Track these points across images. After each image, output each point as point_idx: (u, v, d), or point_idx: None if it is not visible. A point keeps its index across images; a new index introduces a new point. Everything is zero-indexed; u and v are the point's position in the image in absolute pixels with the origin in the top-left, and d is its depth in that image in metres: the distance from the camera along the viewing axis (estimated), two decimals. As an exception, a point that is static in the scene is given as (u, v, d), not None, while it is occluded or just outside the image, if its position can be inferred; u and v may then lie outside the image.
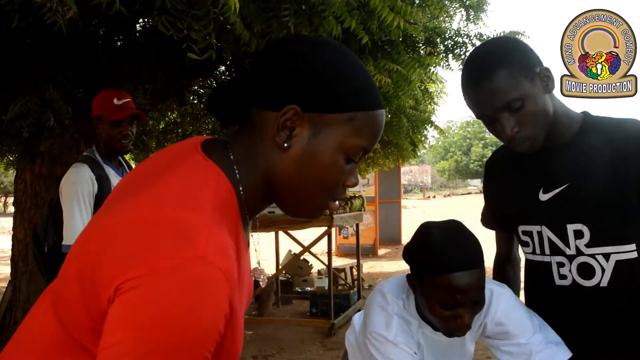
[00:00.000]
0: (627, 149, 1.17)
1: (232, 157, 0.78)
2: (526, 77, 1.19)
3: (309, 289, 6.62)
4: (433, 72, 4.68)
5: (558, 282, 1.30)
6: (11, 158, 5.42)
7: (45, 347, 0.76)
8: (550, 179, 1.30)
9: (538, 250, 1.34)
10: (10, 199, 22.59)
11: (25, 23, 2.45)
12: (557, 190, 1.28)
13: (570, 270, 1.28)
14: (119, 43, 3.56)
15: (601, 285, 1.24)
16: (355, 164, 0.81)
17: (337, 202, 0.82)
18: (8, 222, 13.21)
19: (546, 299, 1.35)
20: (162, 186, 0.74)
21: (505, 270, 1.55)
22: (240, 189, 0.77)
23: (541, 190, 1.31)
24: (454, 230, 1.29)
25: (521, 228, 1.37)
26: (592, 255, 1.24)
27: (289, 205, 0.82)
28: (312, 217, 0.83)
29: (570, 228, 1.26)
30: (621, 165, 1.17)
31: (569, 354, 1.27)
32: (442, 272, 1.21)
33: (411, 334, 1.36)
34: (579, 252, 1.25)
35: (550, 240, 1.30)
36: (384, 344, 1.34)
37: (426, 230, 1.30)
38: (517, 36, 3.60)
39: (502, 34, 3.62)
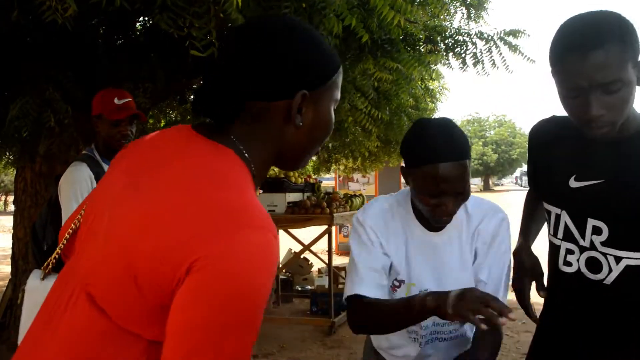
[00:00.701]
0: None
1: (235, 140, 0.86)
2: (633, 62, 1.11)
3: (309, 287, 6.63)
4: (434, 70, 4.68)
5: (561, 266, 1.32)
6: (11, 158, 5.42)
7: (94, 342, 0.79)
8: (586, 169, 1.27)
9: (552, 231, 1.35)
10: (11, 198, 22.60)
11: (24, 21, 2.45)
12: (589, 183, 1.25)
13: (578, 260, 1.28)
14: (119, 42, 3.56)
15: (605, 282, 1.24)
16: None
17: None
18: (8, 221, 13.22)
19: (550, 278, 1.39)
20: (188, 172, 0.80)
21: (533, 203, 1.58)
22: (252, 167, 0.86)
23: (573, 177, 1.29)
24: (444, 125, 1.35)
25: (544, 204, 1.40)
26: (605, 254, 1.23)
27: (292, 163, 0.95)
28: (306, 164, 0.98)
29: (591, 222, 1.24)
30: None
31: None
32: (429, 162, 1.28)
33: (391, 218, 1.46)
34: (593, 247, 1.24)
35: (566, 226, 1.30)
36: (355, 225, 1.49)
37: (419, 123, 1.40)
38: (517, 35, 3.58)
39: (502, 33, 3.60)
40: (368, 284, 1.41)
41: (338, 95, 0.94)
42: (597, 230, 1.24)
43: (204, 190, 0.77)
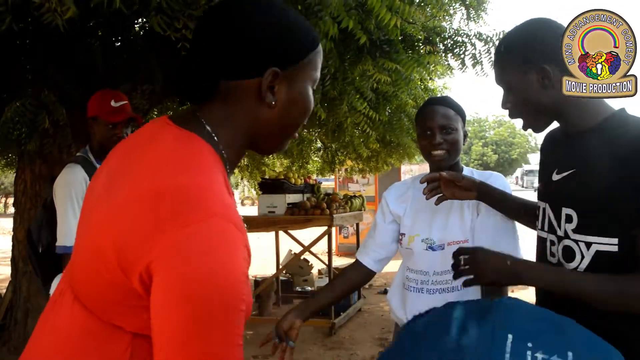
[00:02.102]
0: (626, 150, 1.19)
1: (205, 124, 0.85)
2: (519, 69, 1.31)
3: (309, 288, 6.62)
4: (433, 70, 4.67)
5: (549, 258, 1.37)
6: (11, 158, 5.41)
7: (78, 338, 0.80)
8: (564, 162, 1.35)
9: (540, 225, 1.41)
10: (11, 200, 22.61)
11: (18, 27, 2.45)
12: (565, 174, 1.34)
13: (557, 250, 1.33)
14: (117, 44, 3.56)
15: (579, 269, 1.27)
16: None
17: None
18: (8, 223, 13.22)
19: None
20: (151, 159, 0.80)
21: None
22: (221, 149, 0.85)
23: (555, 171, 1.37)
24: (441, 96, 1.89)
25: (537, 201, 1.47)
26: (576, 241, 1.27)
27: (269, 145, 0.94)
28: (285, 147, 0.96)
29: (564, 211, 1.31)
30: (619, 164, 1.19)
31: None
32: (421, 110, 1.79)
33: (406, 188, 1.89)
34: (566, 235, 1.30)
35: (549, 218, 1.36)
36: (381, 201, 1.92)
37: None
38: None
39: (502, 33, 3.60)
40: (366, 254, 1.87)
41: (317, 75, 0.92)
42: (568, 218, 1.30)
43: (161, 178, 0.76)
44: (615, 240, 1.20)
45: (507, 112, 1.41)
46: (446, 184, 1.66)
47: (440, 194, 1.68)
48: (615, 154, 1.20)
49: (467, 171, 1.84)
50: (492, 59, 3.70)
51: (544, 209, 1.39)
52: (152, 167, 0.78)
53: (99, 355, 0.79)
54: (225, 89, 0.85)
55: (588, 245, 1.25)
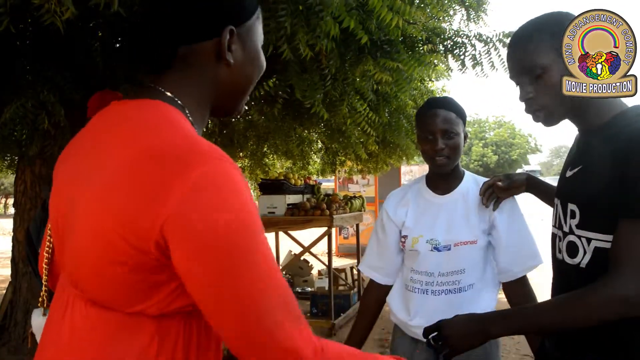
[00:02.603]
0: (626, 150, 1.18)
1: (165, 91, 0.86)
2: (552, 49, 1.25)
3: (309, 289, 6.62)
4: (433, 70, 4.67)
5: (557, 254, 1.37)
6: (10, 159, 5.41)
7: (100, 339, 0.78)
8: (576, 159, 1.37)
9: (552, 222, 1.42)
10: (11, 200, 22.60)
11: (17, 29, 2.45)
12: (574, 171, 1.35)
13: (563, 246, 1.34)
14: (117, 45, 3.56)
15: (581, 265, 1.27)
16: None
17: None
18: (8, 224, 13.21)
19: (553, 268, 1.43)
20: (125, 132, 0.79)
21: None
22: (187, 112, 0.86)
23: (569, 168, 1.38)
24: (441, 97, 1.99)
25: None
26: (579, 237, 1.28)
27: (227, 108, 0.94)
28: (242, 110, 0.98)
29: (569, 207, 1.32)
30: (617, 162, 1.19)
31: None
32: (423, 113, 1.77)
33: (404, 193, 1.88)
34: (570, 231, 1.31)
35: (558, 214, 1.38)
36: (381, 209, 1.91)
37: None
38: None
39: (502, 34, 3.60)
40: (377, 271, 1.91)
41: (261, 29, 0.94)
42: (572, 214, 1.31)
43: (143, 143, 0.76)
44: (610, 237, 1.19)
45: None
46: (499, 187, 1.74)
47: (495, 198, 1.75)
48: (615, 151, 1.20)
49: (468, 177, 1.87)
50: (493, 59, 3.72)
51: (556, 205, 1.41)
52: (130, 137, 0.78)
53: (126, 350, 0.77)
54: (183, 54, 0.86)
55: (589, 241, 1.25)
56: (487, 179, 1.83)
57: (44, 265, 0.99)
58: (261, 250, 0.74)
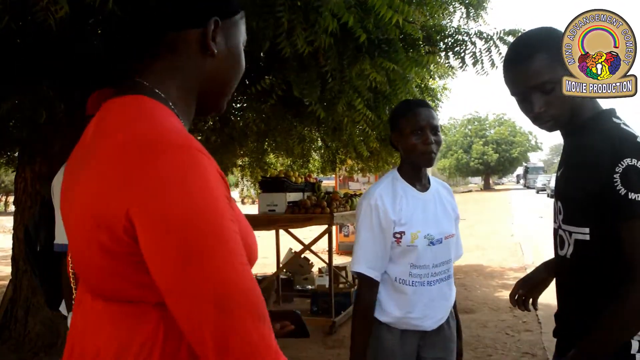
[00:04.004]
0: (591, 155, 1.31)
1: (148, 84, 0.87)
2: (560, 63, 1.29)
3: (309, 287, 6.63)
4: (433, 69, 4.66)
5: (555, 247, 1.52)
6: (6, 156, 5.41)
7: (108, 331, 0.79)
8: (561, 160, 1.51)
9: (553, 219, 1.55)
10: (11, 198, 22.61)
11: (16, 26, 2.45)
12: (560, 170, 1.50)
13: (556, 239, 1.49)
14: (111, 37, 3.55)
15: (567, 256, 1.42)
16: None
17: None
18: (9, 221, 13.23)
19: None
20: (106, 129, 0.81)
21: None
22: (170, 104, 0.87)
23: (559, 168, 1.52)
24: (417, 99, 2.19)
25: None
26: (565, 231, 1.43)
27: (209, 104, 0.95)
28: (224, 108, 0.98)
29: (558, 204, 1.47)
30: (588, 166, 1.32)
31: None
32: (409, 110, 1.89)
33: (394, 189, 1.91)
34: (559, 226, 1.46)
35: (554, 211, 1.52)
36: (364, 209, 1.90)
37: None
38: (516, 34, 3.58)
39: (502, 32, 3.60)
40: (363, 263, 1.87)
41: (244, 31, 0.97)
42: (560, 211, 1.46)
43: (117, 136, 0.78)
44: (587, 230, 1.33)
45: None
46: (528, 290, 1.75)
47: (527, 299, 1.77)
48: (587, 155, 1.33)
49: (431, 177, 2.04)
50: (493, 57, 3.72)
51: (554, 203, 1.54)
52: (108, 133, 0.80)
53: (133, 339, 0.78)
54: (169, 42, 0.88)
55: (570, 234, 1.40)
56: (444, 183, 2.11)
57: (70, 270, 1.02)
58: (224, 242, 0.73)
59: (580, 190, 1.33)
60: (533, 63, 1.34)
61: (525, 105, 1.41)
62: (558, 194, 1.48)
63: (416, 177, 1.94)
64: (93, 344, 0.80)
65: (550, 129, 1.42)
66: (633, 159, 1.22)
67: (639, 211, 1.21)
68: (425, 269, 1.88)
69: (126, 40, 0.91)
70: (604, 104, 1.42)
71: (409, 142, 1.86)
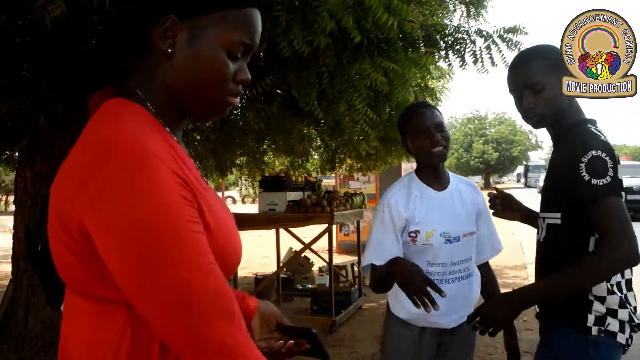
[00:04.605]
0: (566, 152, 1.52)
1: (132, 85, 0.87)
2: (552, 71, 1.53)
3: (310, 286, 6.62)
4: (432, 69, 4.65)
5: (536, 237, 1.76)
6: (9, 156, 5.41)
7: (79, 325, 0.82)
8: (549, 161, 1.70)
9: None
10: (12, 198, 22.61)
11: (14, 26, 2.44)
12: (547, 171, 1.72)
13: (538, 226, 1.73)
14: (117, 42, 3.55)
15: (541, 240, 1.66)
16: (242, 61, 0.89)
17: (237, 99, 0.91)
18: (9, 221, 13.23)
19: None
20: (83, 134, 0.83)
21: None
22: (149, 104, 0.85)
23: (548, 169, 1.73)
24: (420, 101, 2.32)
25: None
26: (541, 218, 1.67)
27: (195, 109, 0.90)
28: (218, 114, 0.91)
29: (541, 199, 1.71)
30: (563, 161, 1.54)
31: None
32: (412, 111, 1.98)
33: (408, 190, 1.97)
34: (539, 216, 1.71)
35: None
36: (378, 207, 1.99)
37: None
38: (517, 32, 3.59)
39: (501, 30, 3.60)
40: (378, 256, 1.87)
41: (236, 37, 0.86)
42: (540, 203, 1.70)
43: (82, 141, 0.80)
44: (558, 215, 1.56)
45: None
46: (503, 202, 2.03)
47: (495, 210, 2.05)
48: (563, 157, 1.55)
49: (452, 176, 2.09)
50: (493, 55, 3.72)
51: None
52: (82, 136, 0.82)
53: (104, 335, 0.79)
54: (144, 42, 0.87)
55: (544, 220, 1.64)
56: (468, 179, 2.17)
57: None
58: (182, 243, 0.73)
59: (555, 182, 1.58)
60: (530, 66, 1.57)
61: (519, 101, 1.63)
62: (541, 189, 1.72)
63: (433, 177, 1.98)
64: (71, 337, 0.84)
65: (535, 125, 1.64)
66: (598, 151, 1.42)
67: (601, 193, 1.40)
68: (443, 267, 1.91)
69: (112, 41, 0.92)
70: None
71: (418, 145, 1.93)
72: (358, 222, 6.50)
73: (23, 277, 4.09)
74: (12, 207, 15.97)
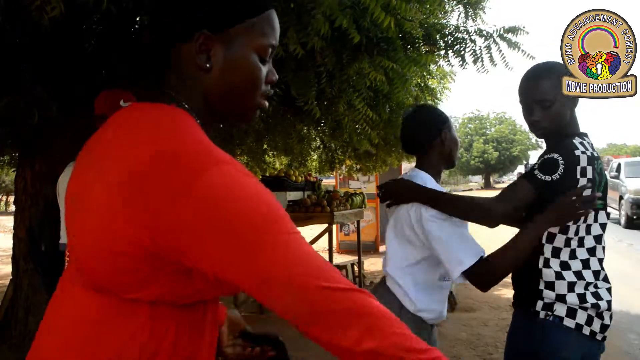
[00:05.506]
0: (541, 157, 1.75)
1: (173, 94, 0.89)
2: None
3: (310, 286, 6.60)
4: (433, 69, 4.65)
5: None
6: (10, 156, 5.41)
7: (93, 321, 0.81)
8: None
9: None
10: (12, 198, 22.62)
11: (9, 25, 2.44)
12: None
13: None
14: (118, 41, 3.55)
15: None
16: (269, 63, 0.95)
17: (266, 101, 0.96)
18: (10, 221, 13.22)
19: None
20: (143, 131, 0.82)
21: None
22: (194, 115, 0.89)
23: None
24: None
25: None
26: None
27: (230, 115, 0.94)
28: (250, 118, 0.96)
29: None
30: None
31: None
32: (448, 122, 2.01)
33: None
34: None
35: None
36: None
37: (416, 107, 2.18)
38: (516, 32, 3.59)
39: (501, 30, 3.59)
40: (472, 254, 1.76)
41: (264, 41, 0.91)
42: None
43: (157, 145, 0.78)
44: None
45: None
46: None
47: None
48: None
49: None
50: (493, 55, 3.72)
51: None
52: (145, 139, 0.80)
53: (118, 333, 0.80)
54: (174, 56, 0.89)
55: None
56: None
57: (67, 258, 1.03)
58: (284, 230, 0.78)
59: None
60: (542, 83, 1.71)
61: (527, 113, 1.79)
62: None
63: (439, 177, 2.03)
64: (77, 333, 0.82)
65: (540, 135, 1.82)
66: (558, 155, 1.64)
67: (532, 180, 1.66)
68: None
69: (142, 51, 0.94)
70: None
71: (454, 147, 2.01)
72: (358, 222, 6.50)
73: (23, 277, 4.08)
74: (12, 208, 15.95)
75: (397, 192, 1.89)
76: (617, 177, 14.49)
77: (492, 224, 1.77)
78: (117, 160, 0.80)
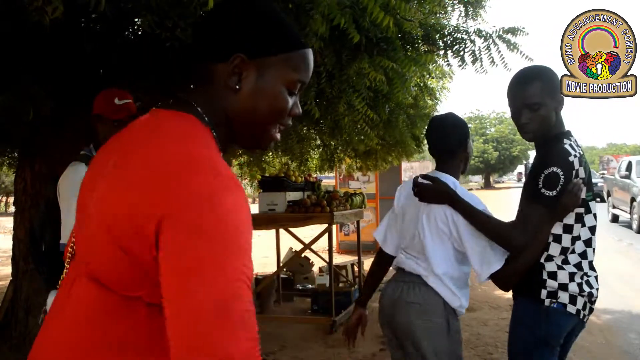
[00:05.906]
0: (536, 162, 1.90)
1: (198, 108, 0.92)
2: (550, 94, 1.88)
3: (310, 286, 6.62)
4: (432, 69, 4.65)
5: None
6: (10, 157, 5.41)
7: (94, 315, 0.84)
8: None
9: None
10: (12, 199, 22.61)
11: (6, 27, 2.43)
12: None
13: None
14: (117, 40, 3.55)
15: None
16: (296, 97, 0.98)
17: (279, 135, 1.00)
18: (9, 222, 13.22)
19: None
20: (154, 137, 0.85)
21: None
22: (213, 131, 0.92)
23: None
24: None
25: None
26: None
27: (247, 138, 0.98)
28: (266, 146, 1.00)
29: None
30: (532, 170, 1.89)
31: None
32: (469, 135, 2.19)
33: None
34: None
35: None
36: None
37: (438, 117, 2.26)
38: (516, 32, 3.59)
39: (500, 30, 3.59)
40: (503, 253, 1.95)
41: (296, 76, 0.95)
42: None
43: (164, 146, 0.82)
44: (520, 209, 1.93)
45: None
46: None
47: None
48: (535, 163, 1.90)
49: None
50: (492, 55, 3.72)
51: None
52: (156, 143, 0.84)
53: (115, 329, 0.82)
54: (205, 73, 0.93)
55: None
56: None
57: (68, 253, 1.05)
58: (236, 257, 0.76)
59: (525, 184, 1.91)
60: (530, 87, 1.86)
61: (516, 116, 1.91)
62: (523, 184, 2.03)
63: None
64: (79, 325, 0.84)
65: (528, 139, 1.94)
66: (557, 168, 1.77)
67: (542, 201, 1.79)
68: None
69: (170, 64, 0.96)
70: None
71: (467, 159, 2.20)
72: (358, 222, 6.49)
73: (23, 278, 4.08)
74: (12, 209, 15.96)
75: (434, 195, 2.01)
76: (627, 177, 12.73)
77: (514, 253, 1.88)
78: (128, 164, 0.83)
